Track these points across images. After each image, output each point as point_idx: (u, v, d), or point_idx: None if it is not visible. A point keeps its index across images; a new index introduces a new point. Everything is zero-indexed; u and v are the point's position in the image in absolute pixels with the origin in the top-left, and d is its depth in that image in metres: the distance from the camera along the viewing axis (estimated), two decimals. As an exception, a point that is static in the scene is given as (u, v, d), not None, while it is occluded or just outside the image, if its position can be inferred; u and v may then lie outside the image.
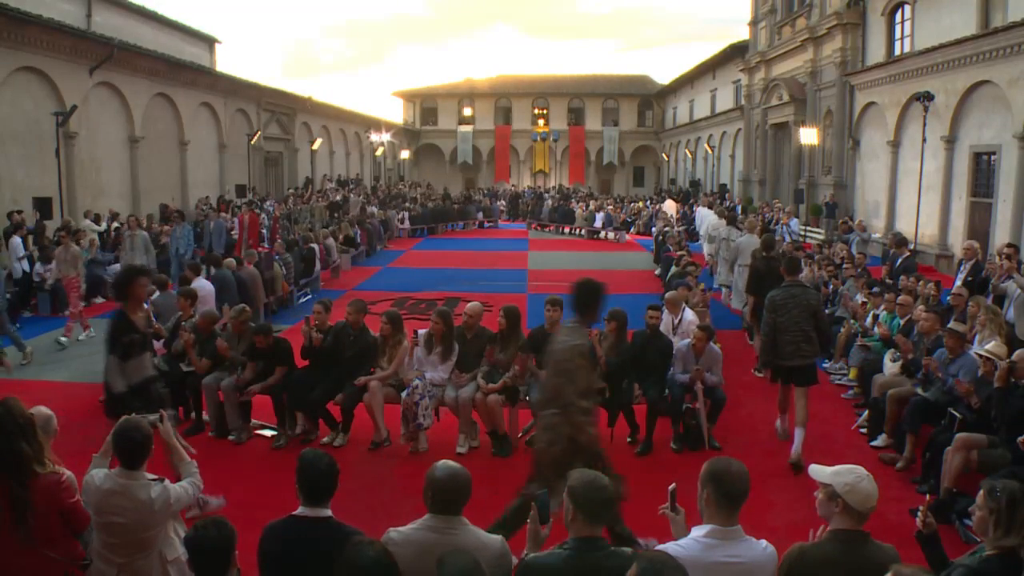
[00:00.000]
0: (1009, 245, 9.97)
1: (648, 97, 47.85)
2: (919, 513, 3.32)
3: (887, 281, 10.45)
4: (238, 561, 2.89)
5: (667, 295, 8.19)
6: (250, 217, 16.34)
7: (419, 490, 3.08)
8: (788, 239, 16.82)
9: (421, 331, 7.06)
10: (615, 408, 6.76)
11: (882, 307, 8.62)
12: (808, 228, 21.85)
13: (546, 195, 34.78)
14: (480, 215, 30.38)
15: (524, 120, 47.71)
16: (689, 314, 8.03)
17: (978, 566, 2.83)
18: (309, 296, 13.93)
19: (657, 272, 16.34)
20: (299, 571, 3.01)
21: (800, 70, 24.93)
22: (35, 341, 10.15)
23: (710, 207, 22.21)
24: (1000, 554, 2.84)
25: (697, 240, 20.22)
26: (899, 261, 11.16)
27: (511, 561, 3.02)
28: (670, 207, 26.39)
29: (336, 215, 23.93)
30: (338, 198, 26.80)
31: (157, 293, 8.98)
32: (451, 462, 3.07)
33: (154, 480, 3.41)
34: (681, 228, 21.16)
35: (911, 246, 13.85)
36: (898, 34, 19.77)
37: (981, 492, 2.99)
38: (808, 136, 22.14)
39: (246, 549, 3.32)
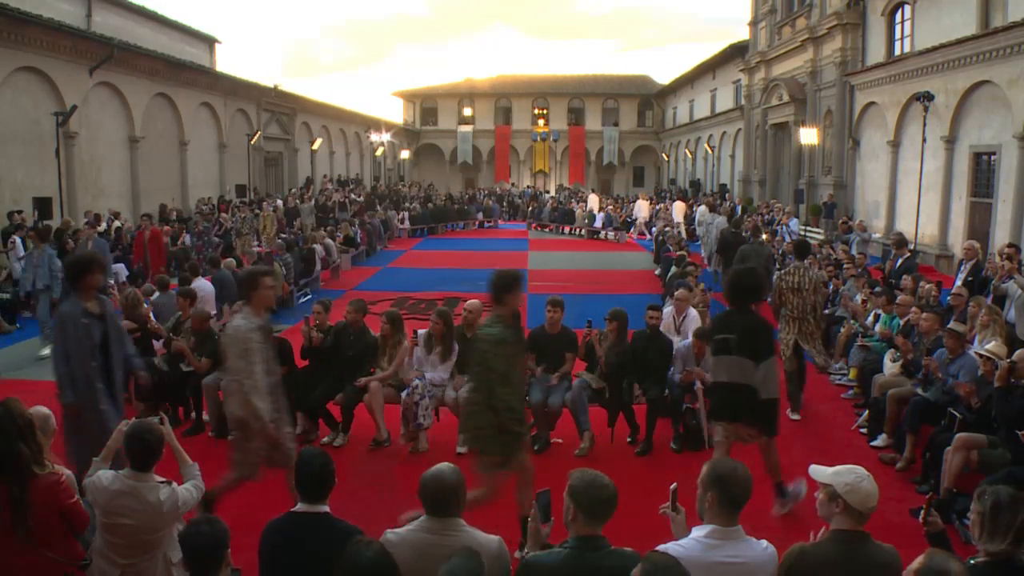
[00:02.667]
0: (1010, 245, 9.98)
1: (648, 97, 47.84)
2: (922, 511, 3.30)
3: (891, 281, 10.45)
4: (237, 561, 2.89)
5: (677, 293, 8.22)
6: (151, 234, 13.17)
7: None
8: (788, 239, 16.81)
9: (421, 331, 7.05)
10: (615, 408, 6.77)
11: (882, 307, 8.62)
12: (808, 228, 21.84)
13: (545, 195, 34.72)
14: (480, 215, 30.39)
15: (524, 120, 47.69)
16: (693, 313, 8.04)
17: (968, 573, 2.81)
18: (309, 296, 13.93)
19: (657, 272, 16.35)
20: (298, 567, 3.03)
21: (800, 70, 24.92)
22: (36, 341, 10.14)
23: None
24: (990, 561, 2.81)
25: (696, 240, 20.28)
26: (899, 262, 11.16)
27: (508, 561, 3.02)
28: (679, 210, 25.50)
29: (293, 225, 21.27)
30: (331, 201, 26.43)
31: (157, 294, 9.01)
32: (446, 465, 3.08)
33: (163, 482, 3.41)
34: (686, 227, 21.10)
35: (911, 246, 13.86)
36: (898, 34, 19.77)
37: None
38: (808, 136, 22.13)
39: (247, 549, 3.32)
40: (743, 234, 12.32)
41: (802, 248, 8.19)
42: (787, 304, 7.38)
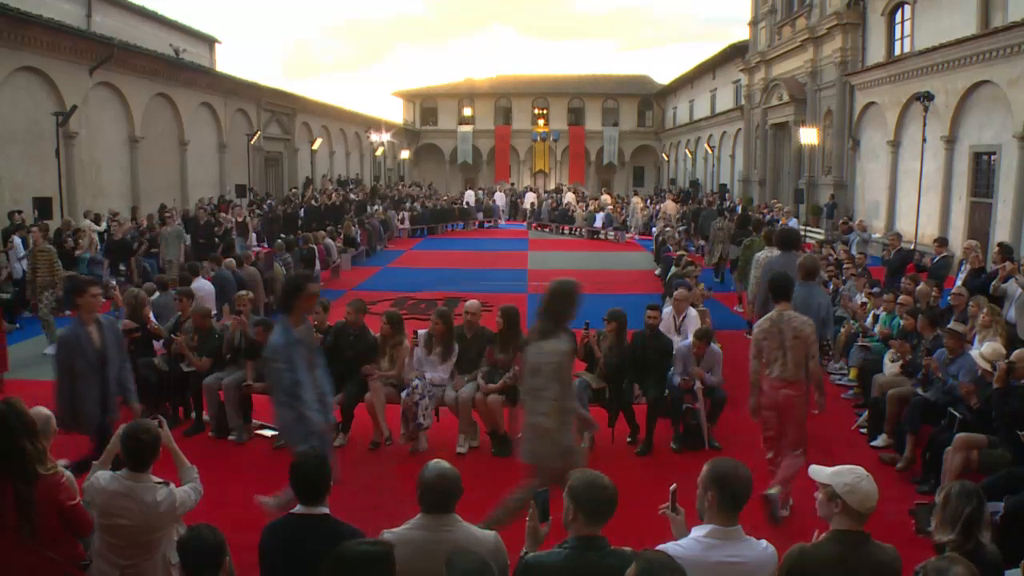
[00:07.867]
0: (972, 239, 10.06)
1: (648, 97, 47.82)
2: None
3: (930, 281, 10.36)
4: (237, 561, 2.88)
5: (676, 293, 8.22)
6: None
7: (419, 490, 3.09)
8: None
9: (421, 331, 7.06)
10: (615, 408, 6.77)
11: (882, 307, 8.63)
12: (808, 228, 21.84)
13: (544, 195, 34.67)
14: (480, 215, 30.39)
15: (524, 120, 47.66)
16: (692, 313, 8.04)
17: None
18: (309, 296, 13.88)
19: (657, 272, 16.34)
20: (298, 568, 3.02)
21: (800, 70, 24.92)
22: (35, 341, 10.15)
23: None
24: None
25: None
26: (935, 259, 11.11)
27: (506, 556, 3.02)
28: (637, 205, 27.88)
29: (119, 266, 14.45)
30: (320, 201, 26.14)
31: (157, 294, 9.00)
32: (441, 461, 3.09)
33: (160, 483, 3.41)
34: (681, 228, 21.27)
35: (911, 246, 13.86)
36: (898, 34, 19.78)
37: None
38: (808, 136, 22.14)
39: (246, 549, 3.32)
40: (703, 210, 20.42)
41: (744, 219, 15.28)
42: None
